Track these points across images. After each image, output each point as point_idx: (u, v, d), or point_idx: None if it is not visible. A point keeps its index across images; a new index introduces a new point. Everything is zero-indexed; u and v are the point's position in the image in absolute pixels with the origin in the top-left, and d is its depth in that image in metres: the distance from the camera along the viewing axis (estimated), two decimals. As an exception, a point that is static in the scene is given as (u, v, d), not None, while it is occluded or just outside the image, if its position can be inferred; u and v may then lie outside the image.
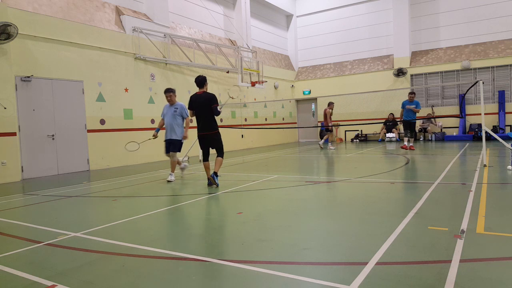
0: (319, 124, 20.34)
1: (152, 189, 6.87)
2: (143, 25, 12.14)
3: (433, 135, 16.64)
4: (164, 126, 7.78)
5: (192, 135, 11.20)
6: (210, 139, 6.77)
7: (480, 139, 14.02)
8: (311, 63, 21.52)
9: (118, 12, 11.85)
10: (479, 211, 4.17)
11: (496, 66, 16.35)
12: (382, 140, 17.93)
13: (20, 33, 8.80)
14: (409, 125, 12.25)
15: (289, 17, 21.77)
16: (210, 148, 6.91)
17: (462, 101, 15.82)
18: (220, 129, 6.95)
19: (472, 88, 16.22)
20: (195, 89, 6.96)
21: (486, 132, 8.21)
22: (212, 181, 6.64)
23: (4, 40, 8.43)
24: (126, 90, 11.70)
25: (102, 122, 10.98)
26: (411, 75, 18.16)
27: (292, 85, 21.30)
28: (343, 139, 19.74)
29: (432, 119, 17.23)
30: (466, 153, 10.65)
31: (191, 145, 11.97)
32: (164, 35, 12.90)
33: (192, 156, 13.03)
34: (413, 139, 12.47)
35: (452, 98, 17.44)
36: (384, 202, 4.94)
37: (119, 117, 11.48)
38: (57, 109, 9.89)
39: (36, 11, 9.46)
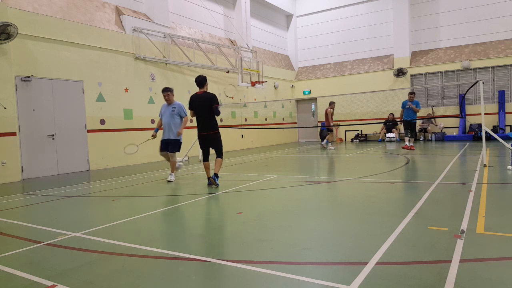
0: (319, 124, 20.34)
1: (152, 189, 6.87)
2: (143, 25, 12.15)
3: (433, 135, 16.64)
4: (162, 126, 7.75)
5: (193, 135, 11.19)
6: (210, 139, 6.77)
7: (480, 139, 14.02)
8: (311, 63, 21.52)
9: (118, 12, 11.85)
10: (479, 211, 4.17)
11: (496, 66, 16.35)
12: (382, 140, 17.93)
13: (20, 33, 8.80)
14: (409, 125, 12.25)
15: (289, 17, 21.77)
16: (210, 148, 6.91)
17: (462, 101, 15.82)
18: (220, 129, 6.94)
19: (472, 88, 16.22)
20: (195, 89, 6.96)
21: (486, 132, 8.21)
22: (212, 182, 6.64)
23: (4, 40, 8.43)
24: (126, 90, 11.70)
25: (102, 122, 10.98)
26: (411, 75, 18.16)
27: (292, 85, 21.30)
28: (343, 139, 19.74)
29: (432, 119, 17.23)
30: (466, 153, 10.65)
31: (191, 145, 11.98)
32: (164, 35, 12.90)
33: (192, 156, 13.03)
34: (413, 139, 12.47)
35: (452, 98, 17.44)
36: (384, 202, 4.94)
37: (119, 117, 11.48)
38: (57, 109, 9.89)
39: (36, 11, 9.46)
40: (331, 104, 13.91)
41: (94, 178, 8.91)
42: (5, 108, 8.64)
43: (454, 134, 16.78)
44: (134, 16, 12.08)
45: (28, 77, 9.23)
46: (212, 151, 6.89)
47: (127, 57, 11.70)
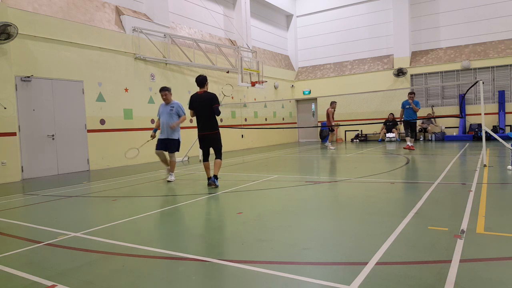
0: (319, 124, 20.34)
1: (152, 189, 6.87)
2: (143, 25, 12.15)
3: (433, 135, 16.64)
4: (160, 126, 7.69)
5: (192, 135, 11.18)
6: (210, 139, 6.75)
7: (480, 139, 14.02)
8: (311, 63, 21.52)
9: (118, 12, 11.85)
10: (479, 211, 4.17)
11: (496, 66, 16.35)
12: (382, 140, 17.93)
13: (20, 33, 8.80)
14: (409, 125, 12.24)
15: (289, 17, 21.77)
16: (210, 149, 6.90)
17: (462, 101, 15.82)
18: (220, 129, 6.93)
19: (472, 88, 16.22)
20: (195, 89, 6.95)
21: (486, 132, 8.21)
22: (212, 184, 6.63)
23: (4, 40, 8.43)
24: (126, 90, 11.70)
25: (102, 122, 10.98)
26: (411, 75, 18.16)
27: (292, 85, 21.30)
28: (343, 139, 19.74)
29: (432, 119, 17.23)
30: (466, 153, 10.65)
31: (191, 145, 11.98)
32: (164, 35, 12.90)
33: (192, 156, 13.03)
34: (413, 139, 12.47)
35: (452, 98, 17.44)
36: (384, 202, 4.94)
37: (119, 117, 11.48)
38: (57, 109, 9.89)
39: (36, 11, 9.46)
40: (332, 104, 13.90)
41: (94, 178, 8.91)
42: (5, 108, 8.64)
43: (454, 134, 16.78)
44: (134, 16, 12.08)
45: (28, 77, 9.23)
46: (211, 151, 6.88)
47: (127, 57, 11.70)
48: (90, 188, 7.41)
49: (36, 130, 9.44)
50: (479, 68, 16.69)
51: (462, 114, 14.38)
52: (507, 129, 15.94)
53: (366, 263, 2.78)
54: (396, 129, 17.83)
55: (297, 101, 21.61)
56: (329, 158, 11.43)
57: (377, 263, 2.78)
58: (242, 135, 16.72)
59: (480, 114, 9.25)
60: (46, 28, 9.58)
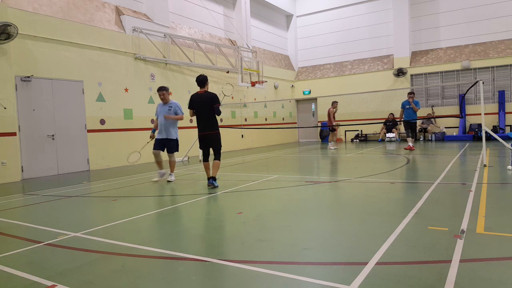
0: (319, 124, 20.35)
1: (152, 189, 6.87)
2: (143, 25, 12.15)
3: (433, 135, 16.64)
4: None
5: (193, 135, 11.20)
6: (210, 138, 6.73)
7: (480, 139, 14.02)
8: (311, 63, 21.52)
9: (118, 12, 11.85)
10: (479, 211, 4.17)
11: (496, 66, 16.35)
12: (382, 140, 17.93)
13: (20, 33, 8.80)
14: (410, 125, 12.24)
15: (289, 17, 21.77)
16: (210, 149, 6.89)
17: (462, 101, 15.82)
18: (220, 129, 6.92)
19: (472, 88, 16.22)
20: (195, 89, 6.95)
21: (486, 132, 8.21)
22: (211, 185, 6.62)
23: (4, 40, 8.43)
24: (126, 90, 11.70)
25: (102, 122, 10.98)
26: (411, 75, 18.16)
27: (292, 85, 21.30)
28: (343, 139, 19.74)
29: (432, 119, 17.23)
30: (466, 153, 10.65)
31: (191, 145, 11.98)
32: (164, 35, 12.90)
33: (192, 156, 13.03)
34: (413, 139, 12.47)
35: (452, 98, 17.44)
36: (384, 202, 4.94)
37: (119, 117, 11.48)
38: (57, 109, 9.89)
39: (36, 11, 9.46)
40: (334, 104, 13.90)
41: (94, 178, 8.91)
42: (5, 108, 8.64)
43: (454, 134, 16.78)
44: (134, 16, 12.08)
45: (28, 77, 9.23)
46: (211, 151, 6.87)
47: (127, 57, 11.70)
48: (90, 188, 7.41)
49: (36, 130, 9.44)
50: (479, 68, 16.69)
51: (462, 114, 14.38)
52: (507, 129, 15.94)
53: (366, 263, 2.78)
54: (396, 129, 17.83)
55: (297, 101, 21.61)
56: (329, 158, 11.43)
57: (377, 263, 2.78)
58: (242, 135, 16.72)
59: (480, 114, 9.25)
60: (46, 28, 9.58)
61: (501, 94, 16.10)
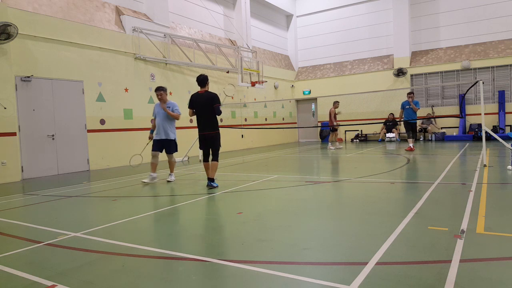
0: (319, 124, 20.35)
1: (152, 189, 6.87)
2: (143, 25, 12.15)
3: (433, 135, 16.64)
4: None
5: (193, 135, 11.21)
6: (210, 138, 6.71)
7: (480, 139, 14.02)
8: (311, 63, 21.52)
9: (118, 12, 11.85)
10: (479, 211, 4.17)
11: (496, 66, 16.35)
12: (382, 140, 17.93)
13: (20, 33, 8.80)
14: (410, 126, 12.23)
15: (289, 17, 21.77)
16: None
17: (462, 101, 15.82)
18: (220, 129, 6.90)
19: (472, 88, 16.22)
20: (195, 89, 6.95)
21: (486, 132, 8.21)
22: (209, 187, 6.59)
23: (4, 40, 8.43)
24: (126, 90, 11.70)
25: (102, 122, 10.98)
26: (411, 75, 18.16)
27: (292, 85, 21.30)
28: (343, 139, 19.73)
29: (432, 119, 17.23)
30: (466, 153, 10.65)
31: (191, 145, 11.98)
32: (164, 35, 12.90)
33: (192, 156, 13.03)
34: (414, 139, 12.47)
35: (452, 98, 17.44)
36: (384, 202, 4.94)
37: (119, 117, 11.48)
38: (57, 109, 9.89)
39: (36, 11, 9.46)
40: (335, 104, 13.90)
41: (94, 178, 8.91)
42: (5, 108, 8.64)
43: (454, 134, 16.78)
44: (134, 16, 12.08)
45: (28, 77, 9.23)
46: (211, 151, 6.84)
47: (127, 57, 11.70)
48: (90, 188, 7.41)
49: (36, 130, 9.44)
50: (479, 68, 16.69)
51: (462, 114, 14.38)
52: (507, 129, 15.94)
53: (366, 263, 2.78)
54: (396, 129, 17.83)
55: (297, 101, 21.61)
56: (329, 158, 11.43)
57: (377, 263, 2.78)
58: (242, 135, 16.72)
59: (480, 114, 9.25)
60: (46, 28, 9.58)
61: (501, 94, 16.10)
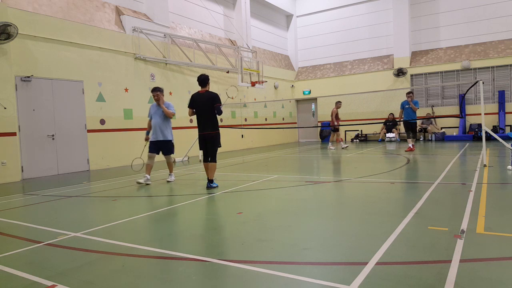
0: (319, 124, 20.35)
1: (152, 189, 6.87)
2: (143, 25, 12.15)
3: (433, 135, 16.64)
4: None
5: (193, 135, 11.20)
6: (210, 138, 6.70)
7: (480, 139, 14.02)
8: (311, 63, 21.52)
9: (118, 12, 11.85)
10: (479, 211, 4.17)
11: (496, 66, 16.35)
12: (382, 140, 17.93)
13: (20, 33, 8.80)
14: (409, 126, 12.23)
15: (289, 17, 21.77)
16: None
17: (462, 101, 15.82)
18: (220, 129, 6.89)
19: (472, 88, 16.22)
20: (195, 89, 6.94)
21: (486, 132, 8.21)
22: (209, 188, 6.58)
23: (4, 40, 8.43)
24: (126, 90, 11.70)
25: (102, 122, 10.98)
26: (411, 75, 18.16)
27: (292, 85, 21.30)
28: (343, 139, 19.73)
29: (432, 119, 17.23)
30: (466, 153, 10.65)
31: (191, 145, 11.98)
32: (164, 35, 12.90)
33: (192, 156, 13.03)
34: (414, 139, 12.46)
35: (452, 98, 17.44)
36: (384, 202, 4.94)
37: (119, 117, 11.48)
38: (57, 109, 9.89)
39: (36, 11, 9.46)
40: (337, 104, 13.89)
41: (94, 178, 8.91)
42: (5, 108, 8.64)
43: (454, 134, 16.78)
44: (134, 16, 12.08)
45: (28, 77, 9.23)
46: None
47: (127, 57, 11.70)
48: (90, 188, 7.41)
49: (36, 130, 9.44)
50: (479, 68, 16.69)
51: (462, 114, 14.38)
52: (507, 129, 15.94)
53: (366, 263, 2.78)
54: (396, 129, 17.82)
55: (297, 101, 21.61)
56: (329, 158, 11.43)
57: (377, 263, 2.78)
58: (242, 135, 16.72)
59: (480, 114, 9.25)
60: (46, 28, 9.58)
61: (501, 94, 16.10)
